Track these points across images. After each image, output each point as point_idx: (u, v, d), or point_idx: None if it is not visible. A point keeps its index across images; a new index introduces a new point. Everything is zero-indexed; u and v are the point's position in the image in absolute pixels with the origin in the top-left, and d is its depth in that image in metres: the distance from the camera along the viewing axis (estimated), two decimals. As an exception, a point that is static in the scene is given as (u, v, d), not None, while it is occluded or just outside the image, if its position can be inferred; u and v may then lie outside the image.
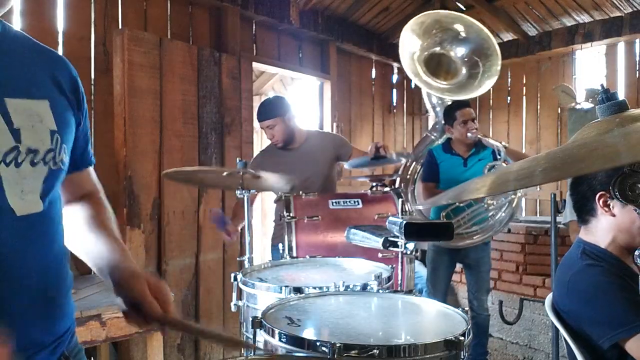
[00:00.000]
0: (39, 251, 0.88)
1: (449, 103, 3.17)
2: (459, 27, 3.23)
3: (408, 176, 3.40)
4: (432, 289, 3.13)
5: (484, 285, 3.11)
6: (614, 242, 1.40)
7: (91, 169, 1.12)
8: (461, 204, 2.96)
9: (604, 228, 1.40)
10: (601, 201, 1.39)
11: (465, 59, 3.25)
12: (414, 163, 3.44)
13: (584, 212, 1.45)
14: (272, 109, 2.77)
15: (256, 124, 3.12)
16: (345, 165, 2.95)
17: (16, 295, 0.83)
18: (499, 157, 2.87)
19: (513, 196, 3.06)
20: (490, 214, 3.02)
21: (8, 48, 0.88)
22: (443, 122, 3.16)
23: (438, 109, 3.35)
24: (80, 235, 1.04)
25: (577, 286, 1.37)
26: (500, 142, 2.99)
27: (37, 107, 0.88)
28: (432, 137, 3.43)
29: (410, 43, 3.16)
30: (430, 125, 3.65)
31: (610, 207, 1.38)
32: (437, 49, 3.24)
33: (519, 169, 0.88)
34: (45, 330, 0.89)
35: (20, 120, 0.85)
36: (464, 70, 3.26)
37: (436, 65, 3.26)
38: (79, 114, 1.01)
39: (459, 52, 3.26)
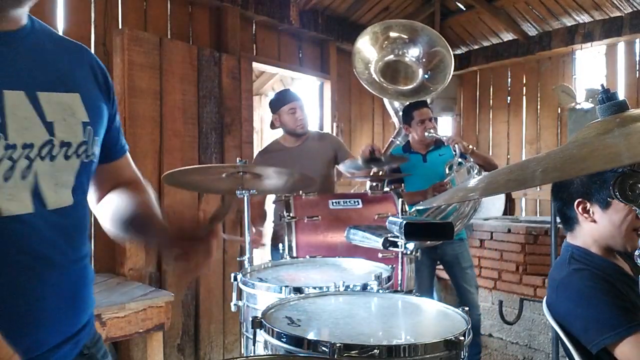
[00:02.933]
0: (67, 244, 0.89)
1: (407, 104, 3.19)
2: (406, 33, 3.29)
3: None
4: (418, 289, 3.12)
5: (472, 282, 3.07)
6: (600, 245, 1.40)
7: (128, 155, 1.11)
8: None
9: (587, 233, 1.41)
10: (580, 208, 1.39)
11: (421, 61, 3.29)
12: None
13: (567, 219, 1.46)
14: (297, 93, 2.97)
15: (256, 124, 3.13)
16: (340, 168, 2.95)
17: (45, 286, 0.84)
18: (454, 152, 2.82)
19: None
20: (455, 208, 2.96)
21: (37, 42, 0.88)
22: (402, 123, 3.17)
23: (401, 113, 3.36)
24: (114, 203, 1.03)
25: (564, 292, 1.38)
26: (468, 146, 2.91)
27: (69, 100, 0.89)
28: (397, 142, 3.44)
29: (365, 53, 3.24)
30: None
31: (591, 213, 1.38)
32: (392, 56, 3.29)
33: (519, 170, 0.87)
34: (71, 322, 0.90)
35: (52, 114, 0.85)
36: (420, 73, 3.30)
37: (393, 72, 3.30)
38: (110, 104, 1.01)
39: (412, 55, 3.30)
